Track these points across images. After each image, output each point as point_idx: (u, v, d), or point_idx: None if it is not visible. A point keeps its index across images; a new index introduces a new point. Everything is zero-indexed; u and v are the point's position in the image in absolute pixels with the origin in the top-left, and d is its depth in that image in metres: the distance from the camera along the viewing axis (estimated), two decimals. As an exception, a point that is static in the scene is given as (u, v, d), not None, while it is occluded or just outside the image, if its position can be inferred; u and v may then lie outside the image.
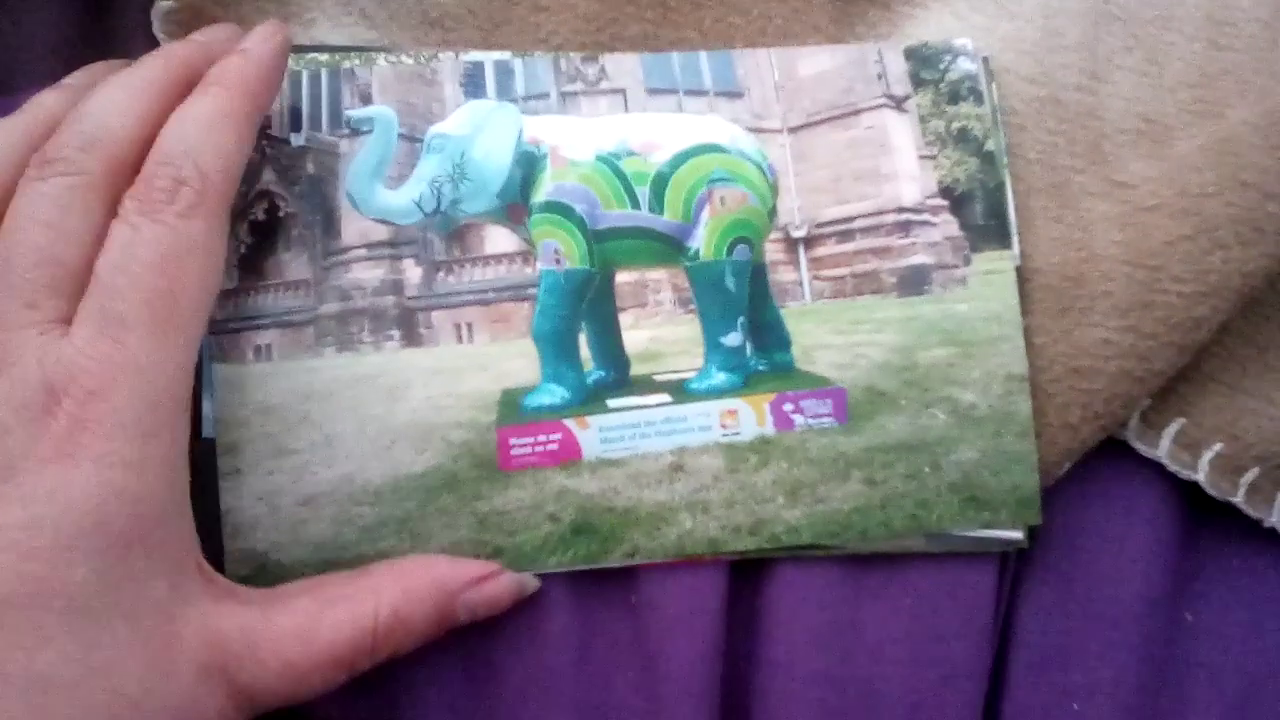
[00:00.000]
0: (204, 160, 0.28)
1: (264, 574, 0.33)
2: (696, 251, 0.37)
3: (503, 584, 0.33)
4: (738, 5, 0.38)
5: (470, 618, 0.32)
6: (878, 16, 0.38)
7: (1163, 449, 0.36)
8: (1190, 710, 0.36)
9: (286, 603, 0.29)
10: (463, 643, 0.34)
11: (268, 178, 0.36)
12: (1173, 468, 0.36)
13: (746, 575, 0.35)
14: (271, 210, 0.35)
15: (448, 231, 0.36)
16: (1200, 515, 0.37)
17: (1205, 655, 0.37)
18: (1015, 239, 0.36)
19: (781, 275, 0.37)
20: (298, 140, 0.36)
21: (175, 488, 0.27)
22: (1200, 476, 0.36)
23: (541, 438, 0.34)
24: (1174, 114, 0.37)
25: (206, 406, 0.34)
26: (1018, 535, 0.35)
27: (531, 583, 0.34)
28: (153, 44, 0.36)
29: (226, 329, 0.34)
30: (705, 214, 0.37)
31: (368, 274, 0.35)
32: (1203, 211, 0.35)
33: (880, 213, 0.37)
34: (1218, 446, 0.36)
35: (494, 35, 0.37)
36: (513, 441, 0.34)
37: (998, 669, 0.36)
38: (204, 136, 0.29)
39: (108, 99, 0.29)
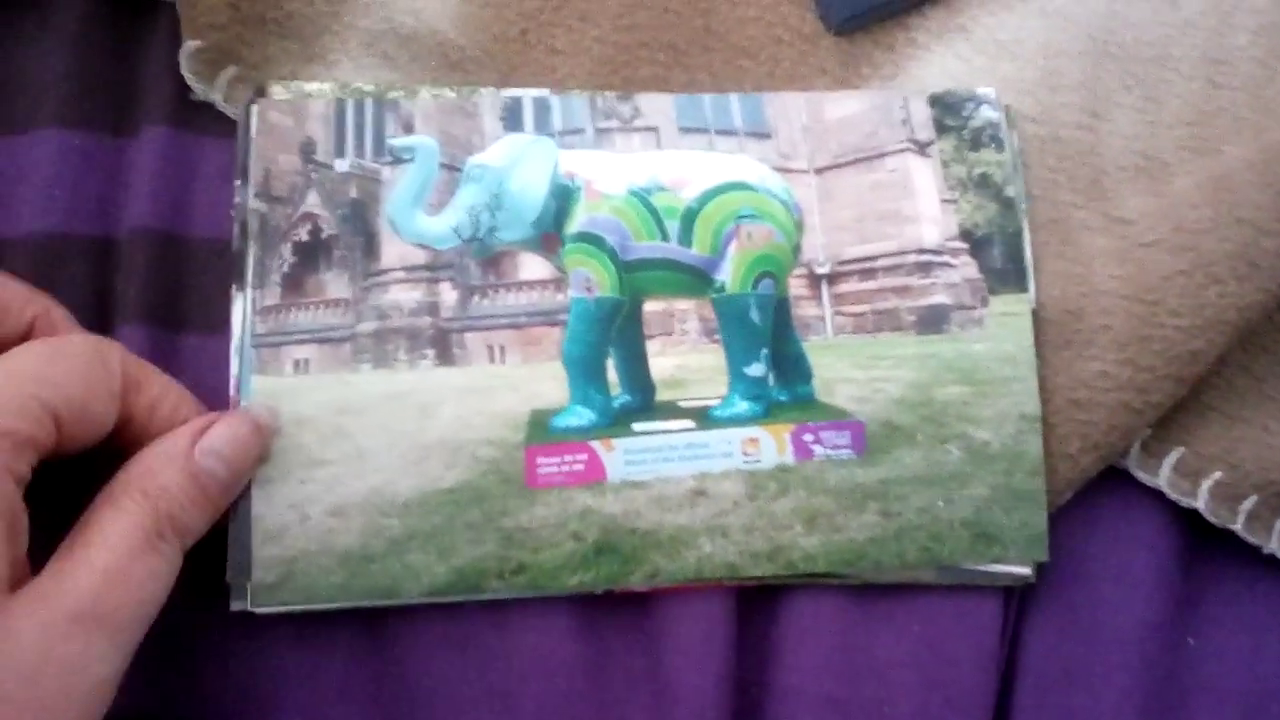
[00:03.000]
0: None
1: (291, 581, 0.34)
2: (723, 284, 0.38)
3: (232, 423, 0.32)
4: (746, 49, 0.39)
5: (221, 464, 0.31)
6: (882, 58, 0.39)
7: (1163, 478, 0.37)
8: None
9: (73, 551, 0.28)
10: (479, 672, 0.35)
11: (312, 200, 0.37)
12: (1173, 496, 0.37)
13: (757, 602, 0.36)
14: (315, 231, 0.37)
15: (484, 258, 0.37)
16: (1201, 542, 0.38)
17: (1207, 678, 0.37)
18: (1032, 283, 0.37)
19: (805, 310, 0.38)
20: (342, 166, 0.37)
21: None
22: (1200, 504, 0.37)
23: (568, 458, 0.35)
24: (1171, 151, 0.38)
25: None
26: (1025, 571, 0.36)
27: (266, 414, 0.34)
28: (179, 83, 0.37)
29: (267, 343, 0.35)
30: (732, 248, 0.38)
31: (405, 295, 0.37)
32: (1199, 247, 0.36)
33: (902, 253, 0.38)
34: (1217, 475, 0.37)
35: (510, 78, 0.38)
36: (540, 460, 0.35)
37: (1004, 693, 0.37)
38: None
39: None
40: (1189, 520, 0.37)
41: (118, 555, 0.28)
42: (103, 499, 0.30)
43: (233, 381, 0.35)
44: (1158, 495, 0.37)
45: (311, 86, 0.37)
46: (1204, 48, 0.39)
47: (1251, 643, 0.38)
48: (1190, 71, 0.38)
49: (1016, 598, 0.37)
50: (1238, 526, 0.37)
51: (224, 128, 0.38)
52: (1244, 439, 0.37)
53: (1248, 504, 0.37)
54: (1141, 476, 0.37)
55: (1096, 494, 0.37)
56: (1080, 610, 0.37)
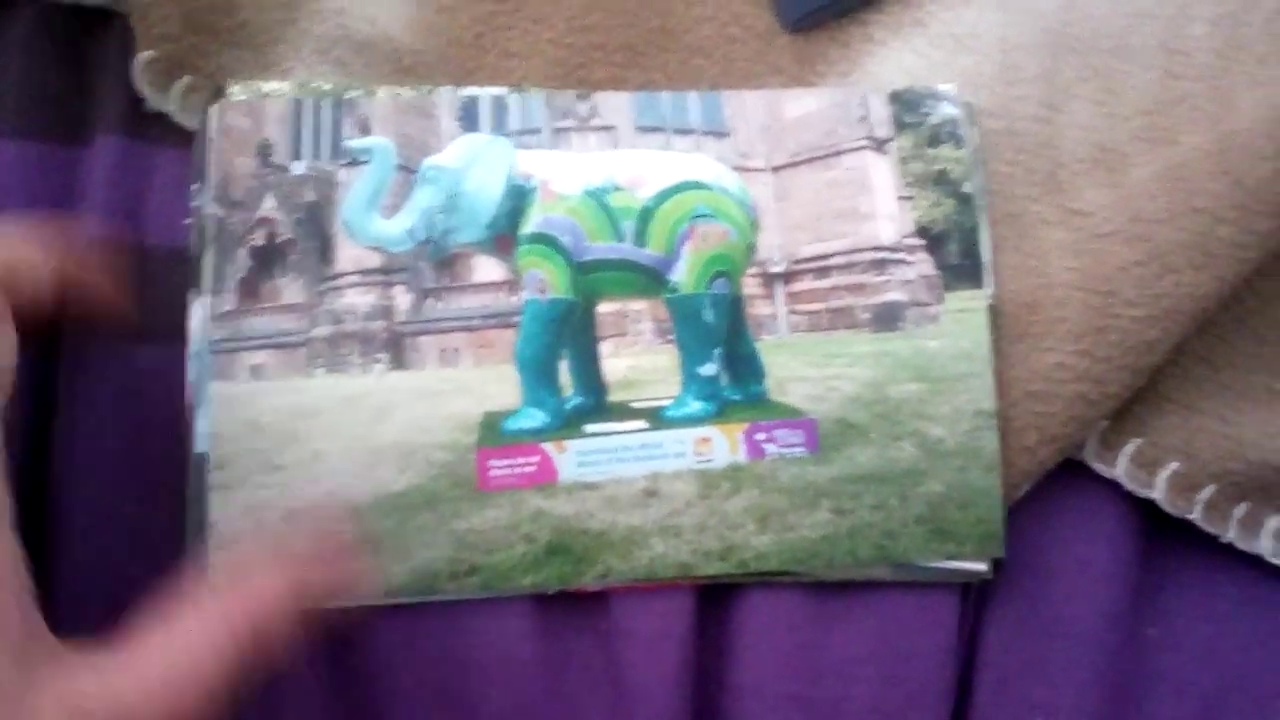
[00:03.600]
0: None
1: (249, 584, 0.34)
2: (677, 284, 0.38)
3: (344, 570, 0.32)
4: (702, 48, 0.39)
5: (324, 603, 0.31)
6: (839, 56, 0.39)
7: (1120, 469, 0.37)
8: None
9: (142, 651, 0.27)
10: (436, 673, 0.35)
11: (269, 204, 0.37)
12: (1130, 487, 0.37)
13: (715, 601, 0.36)
14: (271, 236, 0.37)
15: (438, 260, 0.38)
16: (1161, 532, 0.38)
17: (1168, 669, 0.37)
18: (990, 278, 0.37)
19: (759, 309, 0.38)
20: (299, 168, 0.37)
21: (6, 568, 0.26)
22: (1157, 495, 0.37)
23: (520, 460, 0.35)
24: (1129, 142, 0.38)
25: (201, 424, 0.35)
26: (981, 567, 0.36)
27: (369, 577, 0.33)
28: (132, 94, 0.37)
29: (224, 349, 0.35)
30: (687, 248, 0.38)
31: (360, 299, 0.37)
32: (1155, 237, 0.36)
33: (857, 251, 0.38)
34: (1174, 465, 0.37)
35: (466, 82, 0.38)
36: (491, 463, 0.35)
37: (964, 688, 0.37)
38: None
39: None
40: (1147, 511, 0.37)
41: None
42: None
43: (189, 388, 0.35)
44: (1116, 487, 0.37)
45: (270, 86, 0.38)
46: (1162, 38, 0.38)
47: (1212, 632, 0.38)
48: (1148, 62, 0.38)
49: (975, 592, 0.37)
50: (1195, 516, 0.37)
51: (178, 138, 0.38)
52: (1201, 429, 0.37)
53: (1205, 494, 0.37)
54: (1099, 468, 0.37)
55: (1054, 487, 0.37)
56: (1039, 604, 0.37)
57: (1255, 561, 0.38)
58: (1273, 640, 0.38)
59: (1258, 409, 0.38)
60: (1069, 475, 0.37)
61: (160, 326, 0.37)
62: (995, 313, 0.37)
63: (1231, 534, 0.37)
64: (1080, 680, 0.36)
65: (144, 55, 0.37)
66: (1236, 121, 0.37)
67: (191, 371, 0.35)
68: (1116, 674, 0.37)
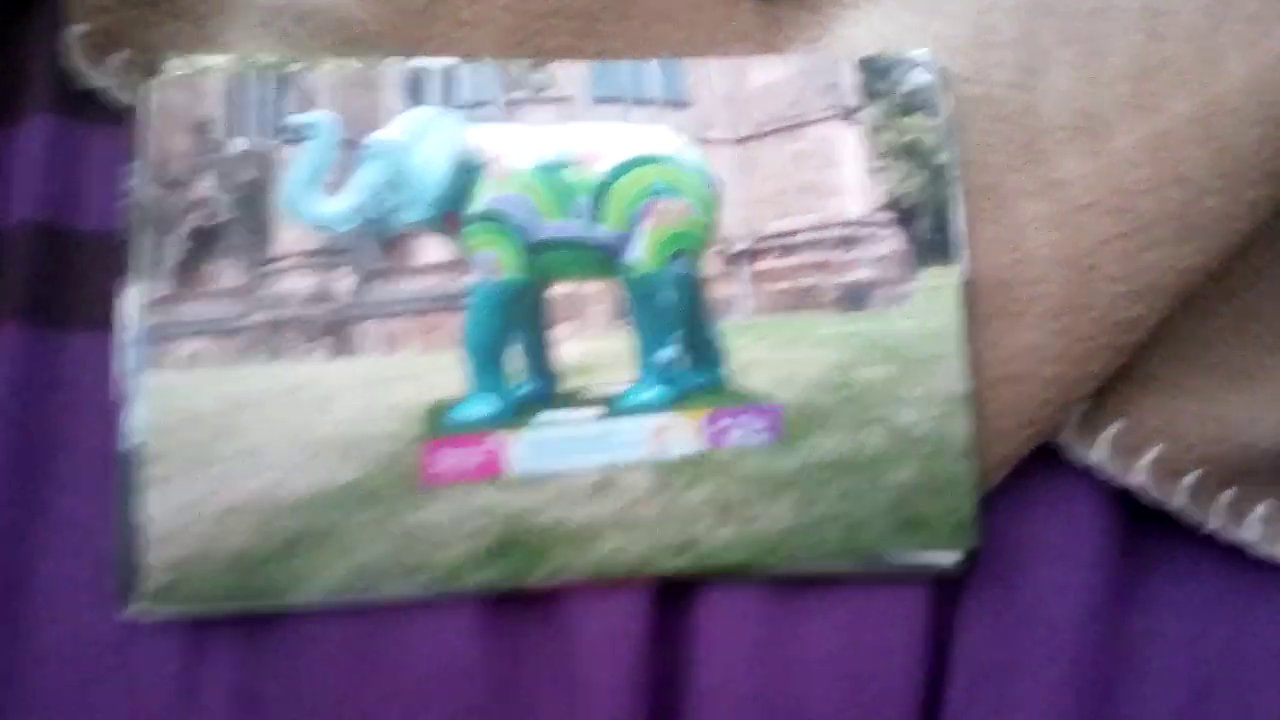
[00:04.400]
0: None
1: (180, 586, 0.32)
2: (634, 264, 0.36)
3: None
4: (665, 13, 0.37)
5: None
6: (806, 19, 0.37)
7: (1101, 453, 0.35)
8: (1137, 715, 0.36)
9: None
10: (379, 676, 0.33)
11: (207, 184, 0.35)
12: (1111, 472, 0.35)
13: (673, 597, 0.35)
14: (209, 217, 0.35)
15: (383, 240, 0.36)
16: (1142, 522, 0.36)
17: (1152, 661, 0.36)
18: (965, 253, 0.35)
19: (721, 289, 0.36)
20: (237, 146, 0.36)
21: None
22: (1140, 480, 0.35)
23: (467, 451, 0.34)
24: (1112, 108, 0.36)
25: (135, 416, 0.33)
26: (954, 558, 0.34)
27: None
28: (62, 72, 0.36)
29: (159, 336, 0.34)
30: (645, 226, 0.36)
31: (301, 282, 0.35)
32: (1137, 208, 0.34)
33: (824, 226, 0.36)
34: (1157, 448, 0.35)
35: (416, 52, 0.37)
36: (437, 455, 0.34)
37: (937, 685, 0.35)
38: None
39: None
40: (1127, 499, 0.36)
41: None
42: None
43: (120, 377, 0.34)
44: (1092, 474, 0.36)
45: (209, 60, 0.36)
46: None
47: (1196, 623, 0.37)
48: (1131, 23, 0.36)
49: (948, 586, 0.35)
50: (1179, 503, 0.35)
51: (113, 116, 0.36)
52: (1186, 410, 0.35)
53: (1189, 479, 0.35)
54: (1079, 452, 0.35)
55: (1031, 474, 0.35)
56: (1015, 596, 0.35)
57: (1238, 550, 0.36)
58: (1258, 630, 0.37)
59: (1245, 389, 0.36)
60: (1046, 462, 0.36)
61: (94, 314, 0.35)
62: (969, 290, 0.35)
63: (1216, 521, 0.35)
64: (1059, 675, 0.35)
65: (77, 29, 0.35)
66: (1223, 85, 0.35)
67: (122, 361, 0.34)
68: (1097, 668, 0.35)
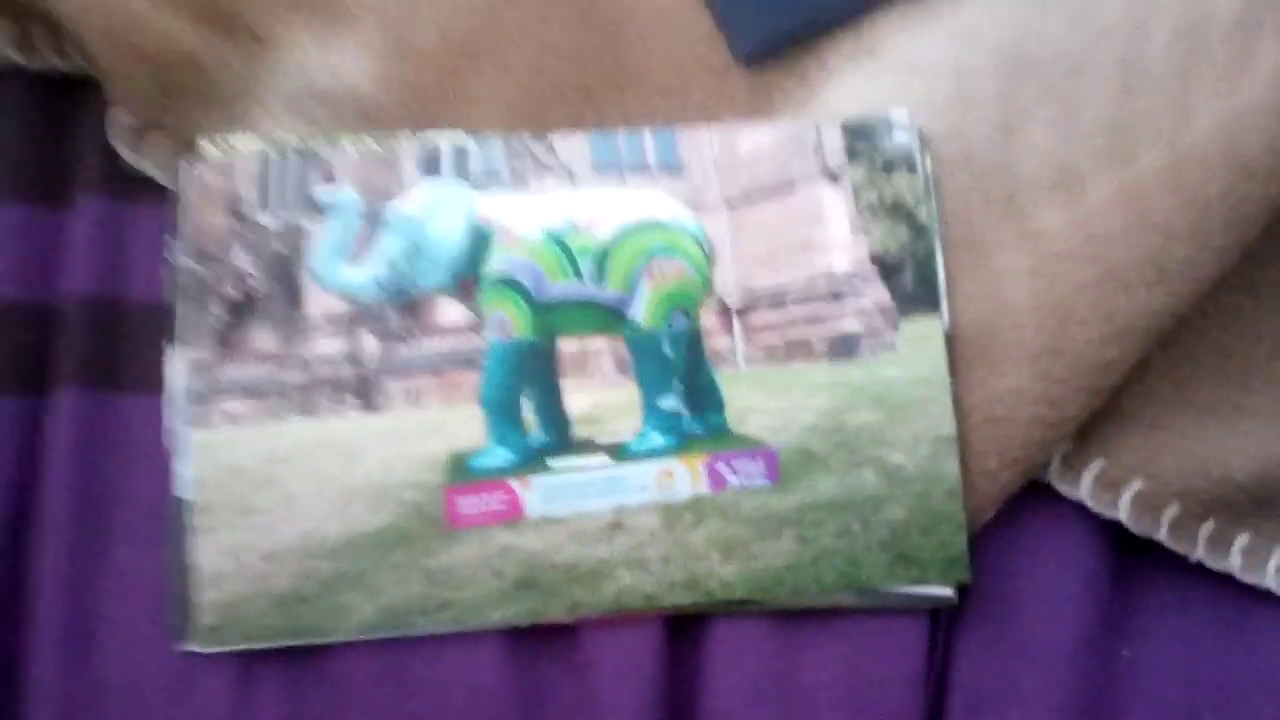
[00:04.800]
0: None
1: (231, 624, 0.35)
2: (636, 321, 0.39)
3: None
4: (658, 85, 0.40)
5: None
6: (794, 86, 0.40)
7: (1084, 489, 0.37)
8: None
9: None
10: (411, 704, 0.36)
11: (240, 257, 0.38)
12: (1095, 508, 0.37)
13: (684, 631, 0.37)
14: (242, 287, 0.38)
15: (403, 305, 0.39)
16: (1132, 552, 0.38)
17: (1144, 690, 0.37)
18: (945, 304, 0.38)
19: (717, 342, 0.39)
20: (267, 220, 0.38)
21: None
22: (1122, 515, 0.37)
23: (487, 497, 0.36)
24: (1087, 161, 0.37)
25: (182, 470, 0.36)
26: (947, 592, 0.36)
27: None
28: (110, 156, 0.39)
29: (202, 399, 0.37)
30: (645, 285, 0.39)
31: (329, 346, 0.38)
32: (1110, 256, 0.36)
33: (813, 281, 0.39)
34: (1137, 485, 0.37)
35: (428, 127, 0.39)
36: (460, 501, 0.36)
37: (936, 714, 0.37)
38: None
39: None
40: (1117, 531, 0.38)
41: None
42: None
43: (168, 436, 0.37)
44: (1083, 507, 0.37)
45: (239, 141, 0.39)
46: (1120, 54, 0.38)
47: (1187, 651, 0.38)
48: (1106, 79, 0.38)
49: (945, 618, 0.37)
50: (1161, 536, 0.37)
51: (157, 194, 0.39)
52: (1165, 447, 0.37)
53: (1170, 513, 0.37)
54: (1064, 489, 0.37)
55: (1021, 509, 0.37)
56: (1010, 627, 0.37)
57: (1227, 578, 0.38)
58: (1248, 657, 0.38)
59: (1221, 425, 0.38)
60: (1036, 497, 0.37)
61: (145, 379, 0.38)
62: (952, 339, 0.37)
63: (1200, 552, 0.37)
64: (1053, 703, 0.36)
65: (119, 116, 0.38)
66: (1192, 136, 0.37)
67: (170, 420, 0.37)
68: (1090, 696, 0.37)
